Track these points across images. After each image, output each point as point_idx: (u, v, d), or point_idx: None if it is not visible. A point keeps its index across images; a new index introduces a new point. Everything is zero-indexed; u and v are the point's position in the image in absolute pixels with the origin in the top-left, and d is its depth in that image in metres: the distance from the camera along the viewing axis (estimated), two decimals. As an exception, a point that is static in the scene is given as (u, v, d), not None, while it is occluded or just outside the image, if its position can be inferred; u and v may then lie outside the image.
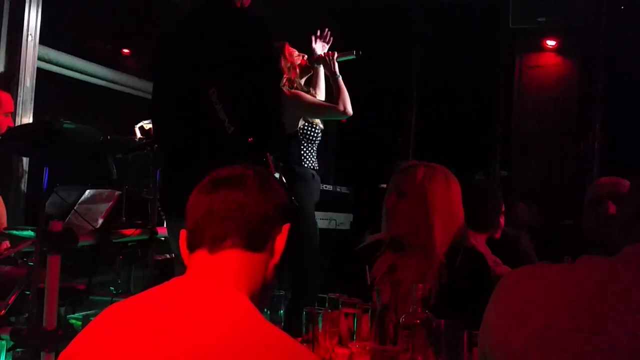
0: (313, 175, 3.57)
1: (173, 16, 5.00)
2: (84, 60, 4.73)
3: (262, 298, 1.19)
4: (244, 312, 1.05)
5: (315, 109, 3.58)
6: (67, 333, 2.50)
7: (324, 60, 3.58)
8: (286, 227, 1.21)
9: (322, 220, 4.61)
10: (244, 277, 1.14)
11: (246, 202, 1.16)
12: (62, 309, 3.27)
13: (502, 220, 2.89)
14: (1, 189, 3.52)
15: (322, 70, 3.66)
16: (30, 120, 3.87)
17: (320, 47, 3.67)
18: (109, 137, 3.47)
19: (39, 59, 4.02)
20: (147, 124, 3.58)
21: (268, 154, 2.55)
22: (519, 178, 5.95)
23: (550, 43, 5.88)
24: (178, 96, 2.60)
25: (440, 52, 6.48)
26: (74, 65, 4.61)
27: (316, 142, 3.63)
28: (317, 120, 3.64)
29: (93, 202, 3.37)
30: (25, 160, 3.85)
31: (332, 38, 3.66)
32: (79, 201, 3.36)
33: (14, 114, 3.62)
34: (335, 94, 3.53)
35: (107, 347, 1.03)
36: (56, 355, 2.42)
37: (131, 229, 3.19)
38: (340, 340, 1.67)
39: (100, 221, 3.25)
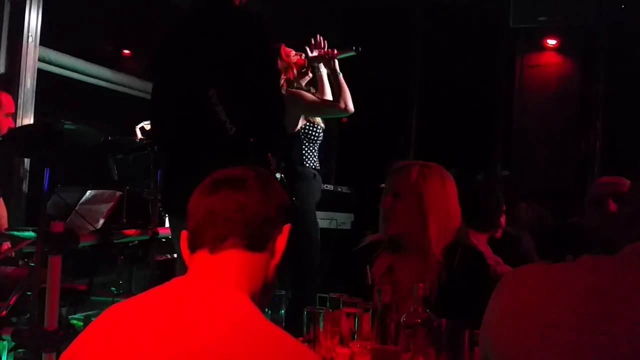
0: (314, 175, 3.57)
1: (173, 17, 5.00)
2: (85, 61, 4.74)
3: (263, 298, 1.20)
4: (245, 312, 1.05)
5: (316, 107, 3.58)
6: (68, 333, 2.51)
7: (324, 58, 3.58)
8: (287, 228, 1.21)
9: (323, 220, 4.61)
10: (245, 277, 1.15)
11: (247, 202, 1.16)
12: (64, 310, 3.27)
13: (503, 219, 2.89)
14: (2, 190, 3.52)
15: (324, 73, 3.65)
16: (31, 121, 3.87)
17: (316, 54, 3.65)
18: (109, 137, 3.47)
19: (40, 60, 4.03)
20: (147, 125, 3.58)
21: (270, 154, 2.56)
22: (520, 178, 5.95)
23: (551, 42, 5.88)
24: (178, 97, 2.60)
25: (441, 51, 6.48)
26: (74, 66, 4.62)
27: (317, 141, 3.63)
28: (319, 120, 3.64)
29: (94, 202, 3.37)
30: (26, 161, 3.86)
31: (326, 42, 3.64)
32: (80, 202, 3.36)
33: (14, 115, 3.62)
34: (336, 91, 3.53)
35: (109, 348, 1.03)
36: (57, 356, 2.42)
37: (132, 230, 3.19)
38: (342, 340, 1.67)
39: (101, 222, 3.25)
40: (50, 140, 2.68)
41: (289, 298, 3.22)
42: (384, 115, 6.55)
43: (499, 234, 2.88)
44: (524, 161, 5.94)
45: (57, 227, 2.53)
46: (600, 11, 5.59)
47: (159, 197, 3.24)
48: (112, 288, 3.83)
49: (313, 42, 3.60)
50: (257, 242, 1.16)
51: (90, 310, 3.65)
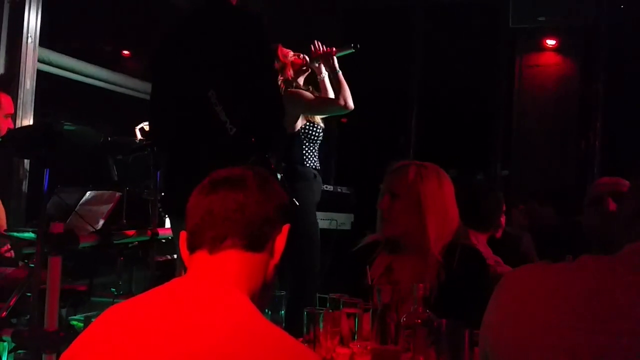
0: (315, 175, 3.57)
1: (173, 17, 5.00)
2: (84, 62, 4.74)
3: (263, 298, 1.19)
4: (245, 313, 1.05)
5: (316, 105, 3.59)
6: (68, 334, 2.51)
7: (323, 56, 3.57)
8: (286, 228, 1.21)
9: (323, 220, 4.62)
10: (244, 277, 1.14)
11: (246, 202, 1.16)
12: (64, 311, 3.27)
13: (503, 220, 2.89)
14: (2, 191, 3.52)
15: (326, 77, 3.64)
16: (31, 122, 3.87)
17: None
18: (109, 138, 3.47)
19: (39, 61, 4.03)
20: (147, 126, 3.58)
21: (270, 154, 2.56)
22: (519, 177, 5.95)
23: (551, 42, 5.88)
24: (177, 97, 2.60)
25: (441, 52, 6.49)
26: (74, 67, 4.62)
27: (317, 141, 3.63)
28: (319, 120, 3.64)
29: (94, 203, 3.37)
30: (26, 161, 3.85)
31: (324, 43, 3.63)
32: (80, 202, 3.36)
33: (14, 116, 3.62)
34: (335, 89, 3.53)
35: (109, 348, 1.03)
36: (57, 357, 2.42)
37: (132, 230, 3.19)
38: (342, 340, 1.67)
39: (101, 222, 3.25)
40: (50, 141, 2.67)
41: (289, 298, 3.22)
42: (384, 115, 6.55)
43: (499, 234, 2.88)
44: (524, 161, 5.94)
45: (57, 228, 2.53)
46: (600, 11, 5.59)
47: (159, 198, 3.25)
48: (112, 289, 3.83)
49: (312, 49, 3.60)
50: (256, 242, 1.16)
51: (90, 311, 3.65)
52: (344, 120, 6.29)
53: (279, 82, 3.43)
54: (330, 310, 1.71)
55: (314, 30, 3.68)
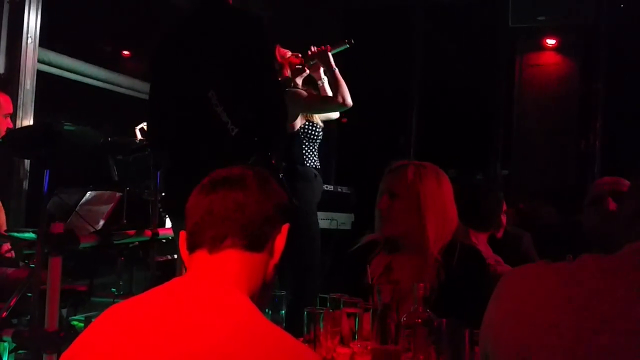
0: (315, 175, 3.57)
1: (173, 17, 5.00)
2: (84, 62, 4.74)
3: (263, 298, 1.19)
4: (245, 312, 1.05)
5: (315, 104, 3.58)
6: (68, 334, 2.51)
7: (319, 55, 3.55)
8: (286, 227, 1.21)
9: (323, 220, 4.62)
10: (244, 277, 1.14)
11: (246, 202, 1.16)
12: (64, 311, 3.27)
13: (504, 219, 2.89)
14: (2, 191, 3.52)
15: (326, 82, 3.63)
16: (31, 123, 3.87)
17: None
18: (109, 138, 3.47)
19: (39, 61, 4.03)
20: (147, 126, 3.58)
21: (272, 154, 2.55)
22: (519, 177, 5.95)
23: (551, 42, 5.88)
24: (177, 97, 2.60)
25: (441, 51, 6.49)
26: (74, 67, 4.62)
27: (317, 140, 3.63)
28: (318, 119, 3.64)
29: (94, 203, 3.37)
30: (26, 162, 3.86)
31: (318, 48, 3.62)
32: (80, 203, 3.36)
33: (14, 117, 3.62)
34: (333, 86, 3.52)
35: (109, 348, 1.03)
36: (58, 357, 2.42)
37: (132, 230, 3.19)
38: (342, 340, 1.67)
39: (102, 223, 3.25)
40: (50, 141, 2.68)
41: (290, 298, 3.22)
42: (384, 115, 6.55)
43: (500, 234, 2.87)
44: (524, 161, 5.94)
45: (57, 228, 2.53)
46: (600, 10, 5.59)
47: (160, 198, 3.25)
48: (113, 289, 3.83)
49: (310, 53, 3.59)
50: (256, 242, 1.16)
51: (90, 312, 3.65)
52: (344, 120, 6.29)
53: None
54: (331, 310, 1.71)
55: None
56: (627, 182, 2.28)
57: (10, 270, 3.09)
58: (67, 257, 2.66)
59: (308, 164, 3.56)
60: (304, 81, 3.67)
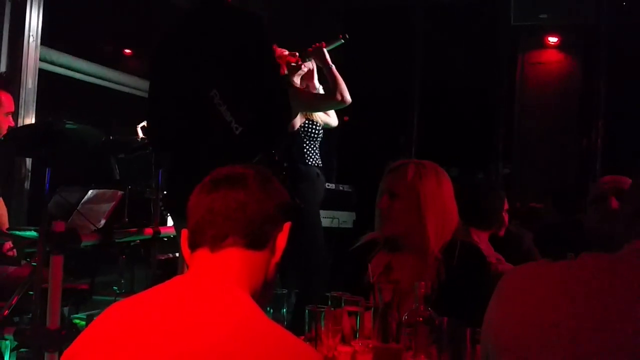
0: (318, 174, 3.56)
1: (174, 16, 5.00)
2: (86, 61, 4.74)
3: (264, 296, 1.20)
4: (246, 310, 1.06)
5: (314, 102, 3.57)
6: (70, 333, 2.51)
7: (314, 52, 3.52)
8: (287, 226, 1.21)
9: (325, 218, 4.62)
10: (246, 275, 1.15)
11: (247, 201, 1.16)
12: (66, 309, 3.27)
13: (506, 218, 2.89)
14: (4, 190, 3.53)
15: (319, 87, 3.62)
16: (33, 121, 3.88)
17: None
18: (111, 137, 3.47)
19: (41, 59, 4.03)
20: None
21: (276, 152, 2.55)
22: (521, 176, 5.95)
23: (552, 40, 5.87)
24: (178, 97, 2.59)
25: (442, 50, 6.48)
26: (75, 66, 4.63)
27: (318, 139, 3.62)
28: (317, 117, 3.64)
29: (96, 202, 3.37)
30: (28, 160, 3.86)
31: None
32: (82, 201, 3.36)
33: (16, 115, 3.62)
34: (331, 84, 3.47)
35: (110, 346, 1.03)
36: (59, 355, 2.43)
37: (134, 229, 3.19)
38: (343, 339, 1.67)
39: (103, 221, 3.25)
40: (52, 140, 2.68)
41: (297, 298, 3.23)
42: (385, 114, 6.55)
43: (502, 233, 2.87)
44: (525, 159, 5.94)
45: (59, 226, 2.53)
46: (602, 9, 5.58)
47: (161, 197, 3.25)
48: (114, 287, 3.84)
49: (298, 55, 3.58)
50: (257, 240, 1.16)
51: (92, 310, 3.65)
52: (345, 118, 6.29)
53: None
54: (332, 309, 1.71)
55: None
56: (629, 181, 2.27)
57: (11, 268, 3.09)
58: (69, 256, 2.66)
59: (310, 163, 3.55)
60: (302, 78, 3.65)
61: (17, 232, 2.98)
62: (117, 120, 5.19)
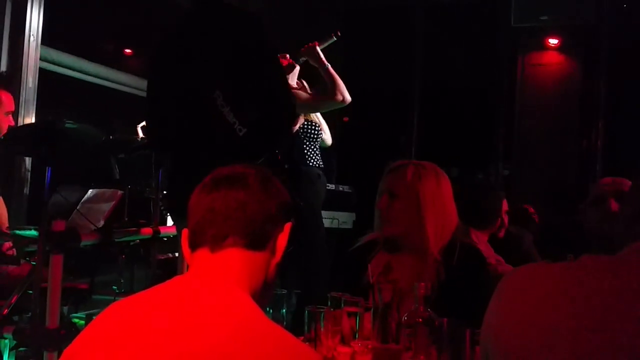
0: (319, 175, 3.56)
1: (174, 16, 5.00)
2: (86, 61, 4.74)
3: (264, 297, 1.20)
4: (246, 310, 1.06)
5: (313, 103, 3.53)
6: (69, 332, 2.51)
7: (307, 51, 3.46)
8: (288, 226, 1.21)
9: (325, 219, 4.61)
10: (246, 275, 1.15)
11: (247, 201, 1.16)
12: (65, 308, 3.27)
13: (505, 219, 2.89)
14: (4, 189, 3.53)
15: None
16: (33, 121, 3.88)
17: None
18: (111, 136, 3.47)
19: (41, 59, 4.03)
20: (148, 125, 3.57)
21: (278, 152, 2.55)
22: (520, 177, 5.95)
23: (553, 41, 5.87)
24: (178, 97, 2.58)
25: (442, 51, 6.48)
26: (75, 65, 4.63)
27: (318, 139, 3.62)
28: (316, 118, 3.63)
29: (95, 201, 3.37)
30: (28, 160, 3.86)
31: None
32: (82, 201, 3.36)
33: (16, 114, 3.63)
34: (329, 84, 3.41)
35: (110, 345, 1.03)
36: (59, 355, 2.43)
37: (134, 228, 3.19)
38: (343, 339, 1.67)
39: (103, 221, 3.25)
40: (52, 139, 2.68)
41: (298, 299, 3.23)
42: (385, 114, 6.55)
43: (502, 234, 2.87)
44: (525, 160, 5.94)
45: (59, 226, 2.53)
46: (602, 10, 5.59)
47: (161, 197, 3.25)
48: (114, 287, 3.84)
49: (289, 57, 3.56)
50: (257, 240, 1.16)
51: (91, 309, 3.66)
52: (345, 119, 6.29)
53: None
54: (332, 309, 1.71)
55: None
56: (629, 182, 2.28)
57: (11, 267, 3.10)
58: (68, 255, 2.66)
59: (311, 164, 3.54)
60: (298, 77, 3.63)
61: (17, 231, 2.98)
62: (117, 120, 5.19)
